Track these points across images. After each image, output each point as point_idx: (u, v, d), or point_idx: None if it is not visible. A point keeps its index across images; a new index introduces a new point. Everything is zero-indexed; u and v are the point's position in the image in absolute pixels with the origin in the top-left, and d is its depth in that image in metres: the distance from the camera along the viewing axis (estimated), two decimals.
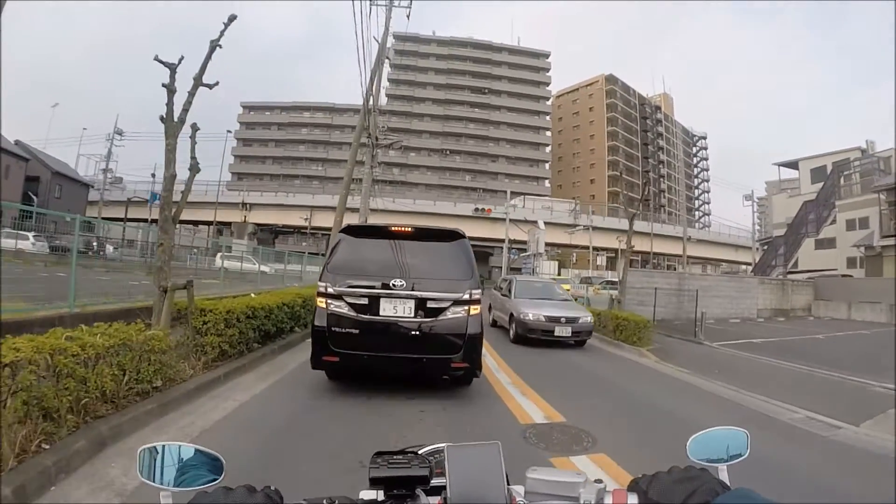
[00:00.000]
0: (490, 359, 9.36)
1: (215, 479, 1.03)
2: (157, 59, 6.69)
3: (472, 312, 6.10)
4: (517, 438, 5.01)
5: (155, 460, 1.02)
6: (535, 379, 7.91)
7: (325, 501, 0.97)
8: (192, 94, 6.91)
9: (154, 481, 1.01)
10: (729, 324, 20.90)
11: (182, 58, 6.78)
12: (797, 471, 4.73)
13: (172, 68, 6.68)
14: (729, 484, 0.98)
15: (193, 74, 6.93)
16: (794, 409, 7.03)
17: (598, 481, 1.05)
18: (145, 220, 37.51)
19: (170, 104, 6.69)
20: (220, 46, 7.10)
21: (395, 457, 1.06)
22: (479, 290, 6.25)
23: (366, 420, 5.34)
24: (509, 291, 14.03)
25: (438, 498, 1.03)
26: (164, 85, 6.72)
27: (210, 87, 7.15)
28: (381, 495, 1.04)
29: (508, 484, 1.04)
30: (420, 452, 1.19)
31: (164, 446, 1.04)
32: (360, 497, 1.07)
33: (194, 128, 7.10)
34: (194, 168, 7.07)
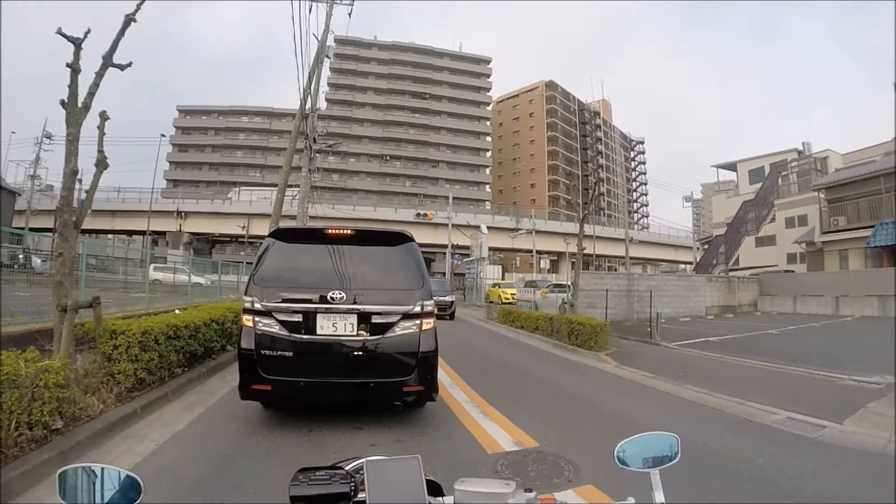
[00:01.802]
0: (443, 374, 8.57)
1: (134, 502, 1.01)
2: (59, 32, 5.69)
3: (424, 327, 5.36)
4: (488, 473, 4.28)
5: (74, 483, 1.01)
6: (494, 395, 7.23)
7: None
8: (99, 74, 5.91)
9: None
10: (680, 322, 20.85)
11: (88, 31, 5.79)
12: (793, 477, 4.45)
13: (77, 43, 5.70)
14: (661, 489, 1.07)
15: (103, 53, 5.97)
16: (773, 409, 6.71)
17: (529, 490, 1.06)
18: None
19: (73, 86, 5.68)
20: (135, 20, 6.15)
21: (317, 473, 1.07)
22: (432, 301, 5.51)
23: (308, 458, 4.45)
24: None
25: None
26: (68, 64, 5.73)
27: (122, 67, 6.15)
28: None
29: (442, 495, 1.11)
30: (347, 468, 1.18)
31: (83, 468, 1.02)
32: None
33: (103, 116, 6.06)
34: (101, 163, 5.99)
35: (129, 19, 6.13)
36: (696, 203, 73.64)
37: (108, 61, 5.96)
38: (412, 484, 1.02)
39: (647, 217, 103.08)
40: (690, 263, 55.58)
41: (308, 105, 17.86)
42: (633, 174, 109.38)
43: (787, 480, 4.31)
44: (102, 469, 1.02)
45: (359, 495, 1.05)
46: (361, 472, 1.12)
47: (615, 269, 65.14)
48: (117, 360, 5.81)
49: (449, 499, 1.08)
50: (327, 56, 19.52)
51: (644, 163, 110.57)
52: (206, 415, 5.93)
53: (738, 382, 8.57)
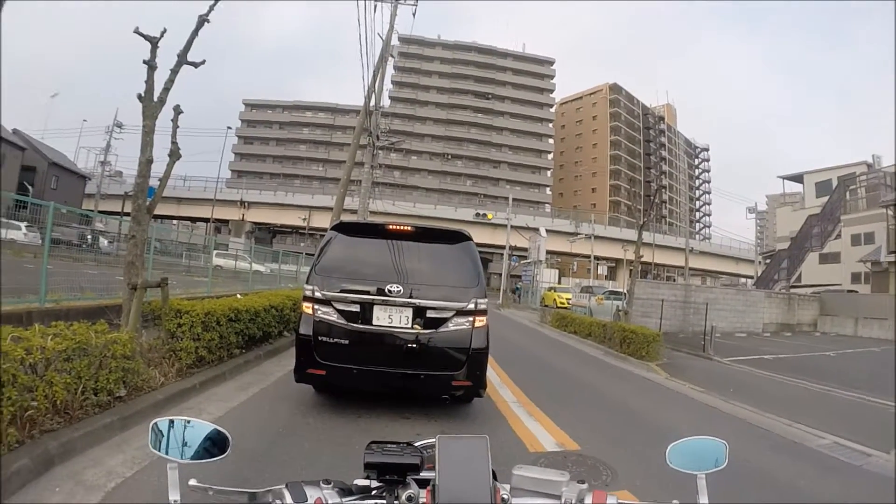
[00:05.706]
0: (492, 373, 8.65)
1: (220, 455, 1.11)
2: (136, 31, 6.06)
3: (477, 324, 5.44)
4: None
5: (165, 434, 1.08)
6: (541, 396, 7.26)
7: (321, 483, 1.07)
8: (174, 71, 6.26)
9: (163, 453, 1.06)
10: (735, 338, 20.36)
11: (164, 30, 6.15)
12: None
13: (154, 42, 6.05)
14: (707, 493, 1.11)
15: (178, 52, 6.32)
16: (820, 433, 6.51)
17: (581, 481, 1.10)
18: None
19: (149, 81, 6.05)
20: (209, 21, 6.47)
21: (388, 446, 1.13)
22: (486, 300, 5.59)
23: (355, 444, 4.60)
24: None
25: (427, 489, 1.06)
26: (145, 61, 6.09)
27: (196, 65, 6.50)
28: (374, 482, 1.12)
29: (496, 479, 1.10)
30: (415, 445, 1.22)
31: (174, 421, 1.09)
32: (355, 483, 1.15)
33: (177, 110, 6.43)
34: (174, 154, 6.36)
35: (203, 20, 6.44)
36: (761, 215, 71.12)
37: (182, 59, 6.30)
38: (479, 463, 1.04)
39: (708, 227, 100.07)
40: (751, 277, 53.91)
41: (372, 102, 18.21)
42: (697, 182, 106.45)
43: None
44: (190, 422, 1.11)
45: (424, 471, 1.11)
46: (429, 449, 1.19)
47: (673, 279, 63.69)
48: (180, 338, 6.15)
49: (506, 484, 1.11)
50: (391, 55, 19.83)
51: (708, 171, 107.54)
52: (260, 395, 6.21)
53: (789, 403, 8.40)
